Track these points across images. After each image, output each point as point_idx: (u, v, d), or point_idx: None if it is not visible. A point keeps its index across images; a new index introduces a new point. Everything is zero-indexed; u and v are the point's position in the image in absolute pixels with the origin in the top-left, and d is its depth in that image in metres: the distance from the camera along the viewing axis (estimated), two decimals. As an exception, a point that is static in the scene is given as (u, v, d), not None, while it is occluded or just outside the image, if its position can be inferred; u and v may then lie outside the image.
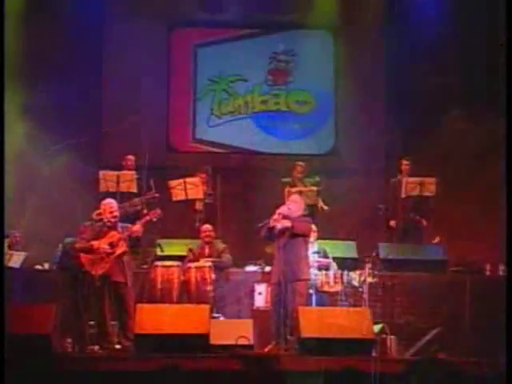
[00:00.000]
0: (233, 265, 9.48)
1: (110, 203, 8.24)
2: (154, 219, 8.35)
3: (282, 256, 7.85)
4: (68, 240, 9.30)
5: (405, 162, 10.81)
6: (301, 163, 10.94)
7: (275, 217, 7.92)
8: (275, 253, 8.02)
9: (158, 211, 8.39)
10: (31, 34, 11.13)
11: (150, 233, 9.14)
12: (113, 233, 8.04)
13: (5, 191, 7.86)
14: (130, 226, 8.17)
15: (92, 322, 7.90)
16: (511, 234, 7.17)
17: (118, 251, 7.96)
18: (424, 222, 10.68)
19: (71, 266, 8.54)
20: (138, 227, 8.10)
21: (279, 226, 7.92)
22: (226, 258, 9.29)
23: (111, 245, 7.97)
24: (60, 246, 9.86)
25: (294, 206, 8.04)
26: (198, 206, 10.44)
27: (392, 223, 10.71)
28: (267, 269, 8.89)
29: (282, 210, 7.98)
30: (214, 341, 7.52)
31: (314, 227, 9.42)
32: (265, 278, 9.04)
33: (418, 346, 8.23)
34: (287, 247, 7.85)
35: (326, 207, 10.57)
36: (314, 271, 8.67)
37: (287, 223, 7.91)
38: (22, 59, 10.88)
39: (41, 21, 11.45)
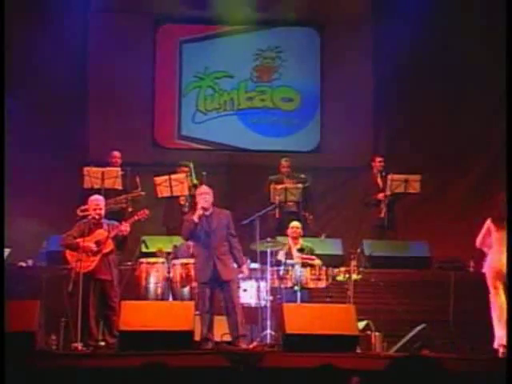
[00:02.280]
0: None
1: (97, 200, 8.21)
2: (142, 219, 8.34)
3: (208, 253, 7.83)
4: (55, 236, 9.28)
5: (378, 158, 10.83)
6: (286, 158, 10.93)
7: (200, 212, 7.88)
8: (198, 251, 7.98)
9: (146, 211, 8.37)
10: (13, 30, 10.99)
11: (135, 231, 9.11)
12: (100, 231, 8.02)
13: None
14: (116, 223, 8.15)
15: (77, 319, 7.87)
16: (511, 230, 7.23)
17: (105, 250, 7.94)
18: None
19: (58, 261, 8.53)
20: (125, 227, 8.07)
21: (201, 211, 7.84)
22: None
23: (98, 243, 7.94)
24: (45, 242, 9.84)
25: (208, 196, 8.00)
26: (183, 201, 10.41)
27: (373, 220, 10.74)
28: (252, 266, 8.88)
29: (203, 203, 7.92)
30: (198, 337, 7.54)
31: (298, 224, 9.44)
32: (250, 275, 9.02)
33: (403, 343, 8.27)
34: (212, 242, 7.83)
35: (310, 217, 10.47)
36: (299, 268, 8.69)
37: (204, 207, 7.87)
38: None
39: (23, 17, 11.37)
